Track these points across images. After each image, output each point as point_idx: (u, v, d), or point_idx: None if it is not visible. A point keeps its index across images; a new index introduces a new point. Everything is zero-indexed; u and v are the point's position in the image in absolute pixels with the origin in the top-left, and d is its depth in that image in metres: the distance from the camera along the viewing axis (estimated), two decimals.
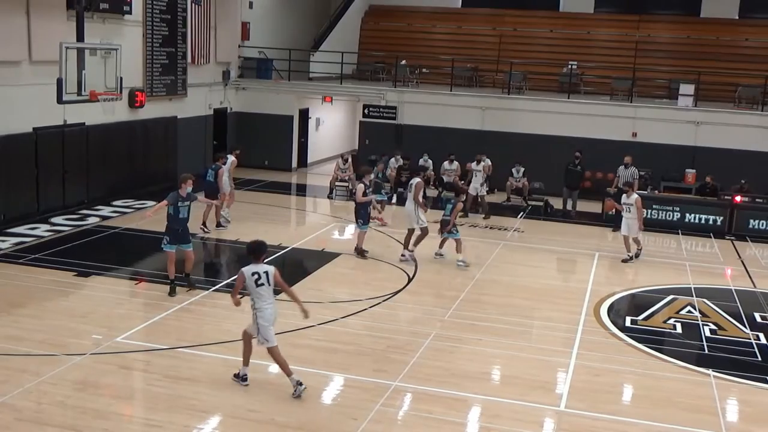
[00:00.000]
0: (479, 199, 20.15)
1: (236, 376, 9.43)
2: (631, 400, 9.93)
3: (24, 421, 8.28)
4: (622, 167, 19.78)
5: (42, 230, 16.31)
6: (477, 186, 20.03)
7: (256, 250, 9.23)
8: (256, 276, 9.01)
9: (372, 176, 16.38)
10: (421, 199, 15.42)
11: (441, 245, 15.67)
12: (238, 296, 9.35)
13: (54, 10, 17.02)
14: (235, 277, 9.46)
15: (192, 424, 8.42)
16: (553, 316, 12.75)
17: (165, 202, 12.42)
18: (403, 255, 15.45)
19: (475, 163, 20.35)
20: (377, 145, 24.51)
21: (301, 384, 9.09)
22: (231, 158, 18.05)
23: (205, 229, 16.78)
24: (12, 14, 16.13)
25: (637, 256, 16.39)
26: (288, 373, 9.12)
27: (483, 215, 19.92)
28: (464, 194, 15.90)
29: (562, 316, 12.78)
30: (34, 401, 8.73)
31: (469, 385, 9.78)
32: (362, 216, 15.50)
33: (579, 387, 9.95)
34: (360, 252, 15.49)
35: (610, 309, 13.25)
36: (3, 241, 15.33)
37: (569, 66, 25.71)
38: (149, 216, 13.46)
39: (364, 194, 15.41)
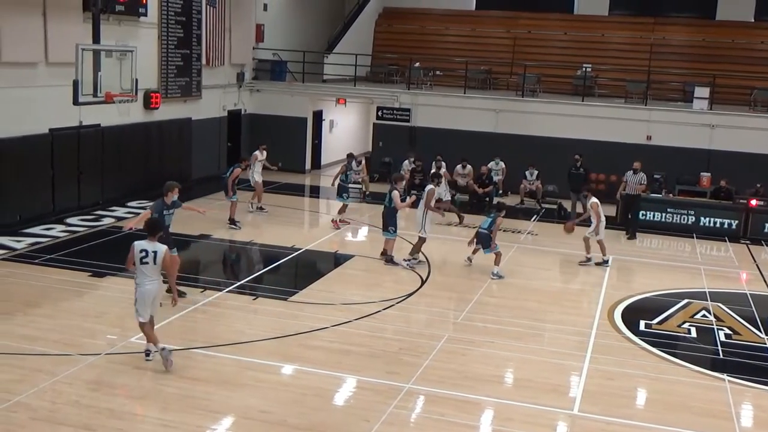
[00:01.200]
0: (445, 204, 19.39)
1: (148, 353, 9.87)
2: (645, 404, 9.88)
3: (39, 421, 8.33)
4: (630, 172, 19.33)
5: (57, 231, 16.42)
6: (440, 191, 19.08)
7: (150, 228, 9.77)
8: (143, 254, 9.51)
9: (404, 182, 16.22)
10: (433, 206, 15.36)
11: (474, 252, 15.36)
12: (133, 266, 9.67)
13: (70, 11, 17.15)
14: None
15: (205, 425, 8.45)
16: (566, 319, 12.72)
17: (148, 211, 12.27)
18: (405, 259, 15.30)
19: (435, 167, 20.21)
20: (390, 147, 24.54)
21: (165, 351, 9.60)
22: (256, 153, 19.29)
23: (234, 226, 17.37)
24: (29, 16, 16.26)
25: (588, 260, 16.17)
26: (155, 343, 9.72)
27: (456, 221, 19.31)
28: (504, 210, 15.69)
29: (576, 319, 12.75)
30: (49, 401, 8.79)
31: (482, 388, 9.77)
32: (393, 223, 15.35)
33: (592, 390, 9.92)
34: (390, 260, 15.31)
35: (623, 312, 13.20)
36: (19, 241, 15.45)
37: (583, 68, 25.62)
38: (131, 227, 13.42)
39: (402, 200, 15.32)
